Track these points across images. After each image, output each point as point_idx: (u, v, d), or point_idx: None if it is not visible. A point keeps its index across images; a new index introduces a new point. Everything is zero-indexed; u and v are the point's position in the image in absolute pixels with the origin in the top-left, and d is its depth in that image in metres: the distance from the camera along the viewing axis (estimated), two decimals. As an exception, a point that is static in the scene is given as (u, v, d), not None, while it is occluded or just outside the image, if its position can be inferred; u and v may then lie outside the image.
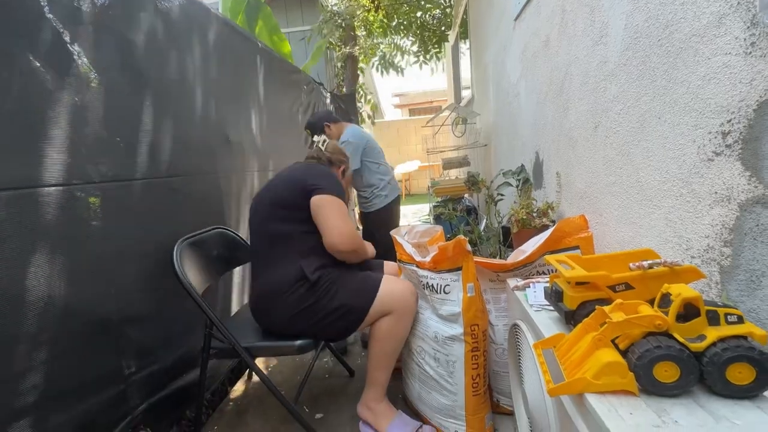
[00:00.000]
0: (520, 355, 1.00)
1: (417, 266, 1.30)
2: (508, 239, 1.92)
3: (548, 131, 1.78)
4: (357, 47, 4.68)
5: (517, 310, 1.06)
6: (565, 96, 1.55)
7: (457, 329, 1.18)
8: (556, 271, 0.86)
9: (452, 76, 5.86)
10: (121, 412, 1.09)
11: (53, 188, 0.93)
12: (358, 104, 5.22)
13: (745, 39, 0.70)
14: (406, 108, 12.51)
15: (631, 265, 0.79)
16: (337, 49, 4.46)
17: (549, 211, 1.64)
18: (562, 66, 1.56)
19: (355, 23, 4.57)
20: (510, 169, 2.28)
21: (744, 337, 0.59)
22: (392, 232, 1.45)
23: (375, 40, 5.18)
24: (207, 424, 1.44)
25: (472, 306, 1.16)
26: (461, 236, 1.16)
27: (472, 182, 2.67)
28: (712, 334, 0.59)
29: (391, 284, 1.27)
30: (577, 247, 1.24)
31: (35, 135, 0.90)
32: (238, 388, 1.69)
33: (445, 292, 1.22)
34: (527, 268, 1.27)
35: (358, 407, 1.34)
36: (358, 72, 5.09)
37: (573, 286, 0.79)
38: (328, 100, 4.14)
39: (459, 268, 1.19)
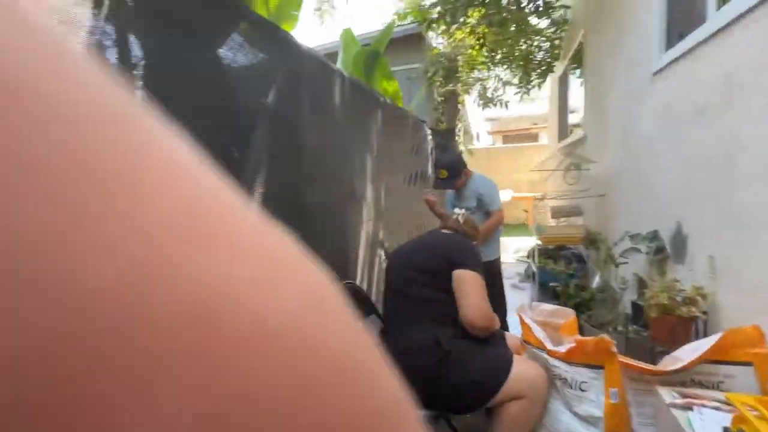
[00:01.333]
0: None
1: (548, 354, 1.26)
2: (639, 318, 1.75)
3: (700, 205, 1.60)
4: (459, 84, 4.76)
5: (665, 420, 0.97)
6: (731, 172, 1.39)
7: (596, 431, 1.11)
8: (722, 398, 0.78)
9: (558, 108, 5.58)
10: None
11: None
12: (457, 137, 5.27)
13: None
14: (500, 135, 12.15)
15: None
16: (439, 85, 4.59)
17: (699, 298, 1.46)
18: (728, 138, 1.40)
19: (459, 62, 4.67)
20: (639, 233, 2.09)
21: None
22: (517, 310, 1.44)
23: (477, 75, 5.21)
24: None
25: (615, 414, 1.09)
26: (606, 336, 1.11)
27: (590, 241, 2.50)
28: None
29: (524, 367, 1.26)
30: (749, 363, 1.09)
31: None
32: None
33: (581, 389, 1.16)
34: (680, 375, 1.15)
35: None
36: (459, 106, 5.16)
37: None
38: (429, 137, 4.26)
39: (600, 367, 1.13)
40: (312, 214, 1.60)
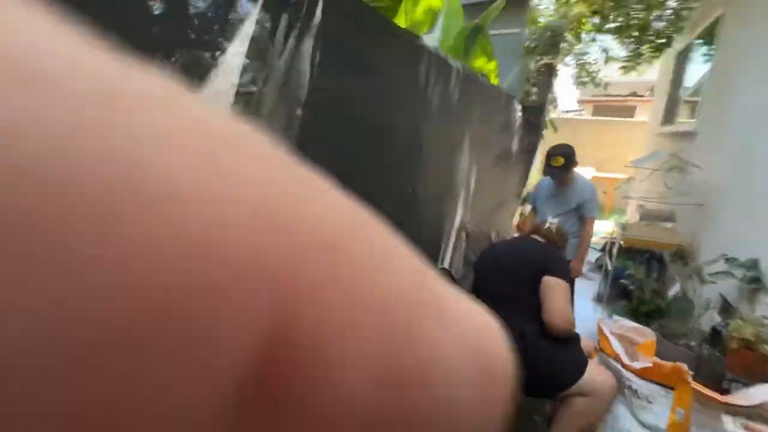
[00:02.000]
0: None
1: (622, 366, 1.44)
2: (718, 343, 1.82)
3: (813, 249, 1.57)
4: (559, 56, 4.45)
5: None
6: None
7: (655, 440, 1.31)
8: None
9: (669, 88, 5.02)
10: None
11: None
12: (549, 114, 5.03)
13: None
14: (590, 104, 11.08)
15: None
16: (538, 59, 4.35)
17: (786, 340, 1.51)
18: None
19: (565, 33, 4.32)
20: (736, 257, 2.06)
21: None
22: (598, 321, 1.60)
23: (580, 47, 4.80)
24: None
25: (678, 429, 1.27)
26: (683, 366, 1.26)
27: (679, 256, 2.47)
28: None
29: (596, 372, 1.46)
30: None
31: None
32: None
33: (648, 401, 1.35)
34: (747, 408, 1.28)
35: (534, 455, 1.62)
36: (553, 79, 4.85)
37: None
38: (519, 113, 4.16)
39: (671, 387, 1.30)
40: (418, 202, 1.83)
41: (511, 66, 4.70)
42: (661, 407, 1.32)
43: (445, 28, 3.14)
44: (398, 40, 1.43)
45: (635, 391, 1.39)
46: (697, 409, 1.37)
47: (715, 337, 1.85)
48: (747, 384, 1.44)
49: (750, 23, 2.80)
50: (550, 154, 2.46)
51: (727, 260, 2.06)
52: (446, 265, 2.35)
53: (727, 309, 2.05)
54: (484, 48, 3.30)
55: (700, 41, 4.30)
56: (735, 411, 1.29)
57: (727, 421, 1.21)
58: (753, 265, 1.94)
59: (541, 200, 2.67)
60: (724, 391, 1.44)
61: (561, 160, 2.33)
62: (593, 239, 5.23)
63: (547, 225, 1.78)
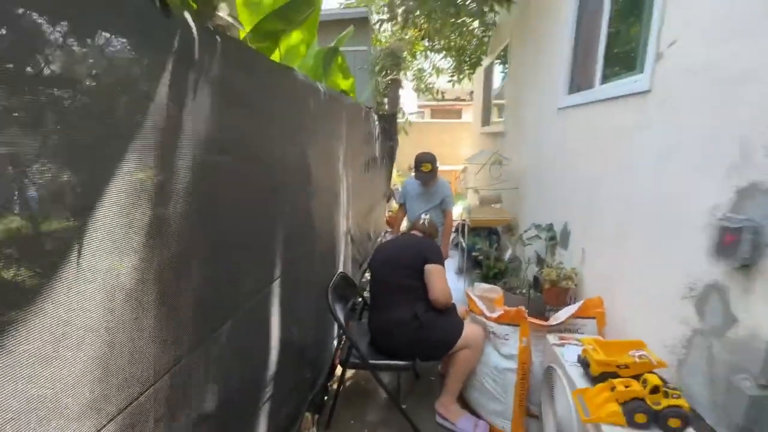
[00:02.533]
0: (553, 386, 1.66)
1: (486, 319, 1.94)
2: (536, 284, 2.55)
3: (579, 212, 2.40)
4: (401, 72, 5.16)
5: (553, 358, 1.71)
6: (597, 194, 2.15)
7: (512, 365, 1.84)
8: (586, 344, 1.50)
9: (482, 97, 6.34)
10: (306, 398, 1.76)
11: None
12: (399, 120, 5.73)
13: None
14: (429, 108, 12.91)
15: (630, 353, 1.43)
16: (384, 75, 4.95)
17: (573, 276, 2.28)
18: (594, 171, 2.15)
19: (404, 54, 5.03)
20: (540, 224, 2.90)
21: (678, 405, 1.24)
22: (466, 290, 2.09)
23: (417, 63, 5.63)
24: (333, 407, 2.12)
25: (524, 352, 1.82)
26: (522, 308, 1.81)
27: (508, 229, 3.29)
28: (664, 402, 1.24)
29: (471, 328, 1.92)
30: (593, 317, 1.88)
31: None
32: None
33: (505, 339, 1.87)
34: (560, 326, 1.92)
35: (437, 405, 2.01)
36: (399, 91, 5.57)
37: (598, 363, 1.43)
38: (376, 122, 4.67)
39: (517, 325, 1.84)
40: (312, 221, 2.00)
41: (363, 78, 5.21)
42: (512, 340, 1.86)
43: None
44: (279, 74, 1.57)
45: (496, 334, 1.90)
46: (533, 336, 1.97)
47: (535, 282, 2.60)
48: (557, 310, 2.12)
49: (525, 47, 3.87)
50: (420, 161, 2.95)
51: (536, 227, 2.89)
52: (342, 269, 2.58)
53: (540, 261, 2.87)
54: (340, 67, 3.62)
55: (499, 61, 5.60)
56: (553, 330, 1.92)
57: (550, 337, 1.80)
58: (549, 228, 2.79)
59: (411, 198, 3.16)
60: (546, 319, 2.09)
61: (429, 166, 2.86)
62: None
63: (421, 221, 2.20)
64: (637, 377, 1.32)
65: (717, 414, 1.23)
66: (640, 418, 1.24)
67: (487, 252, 3.41)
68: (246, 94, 1.22)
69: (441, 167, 8.13)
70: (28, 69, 0.54)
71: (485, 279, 3.16)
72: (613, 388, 1.31)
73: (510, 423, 1.88)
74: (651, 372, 1.32)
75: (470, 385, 2.05)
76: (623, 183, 1.87)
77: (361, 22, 5.09)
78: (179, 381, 0.90)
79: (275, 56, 1.86)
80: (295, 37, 1.96)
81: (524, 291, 2.75)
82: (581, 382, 1.47)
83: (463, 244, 3.82)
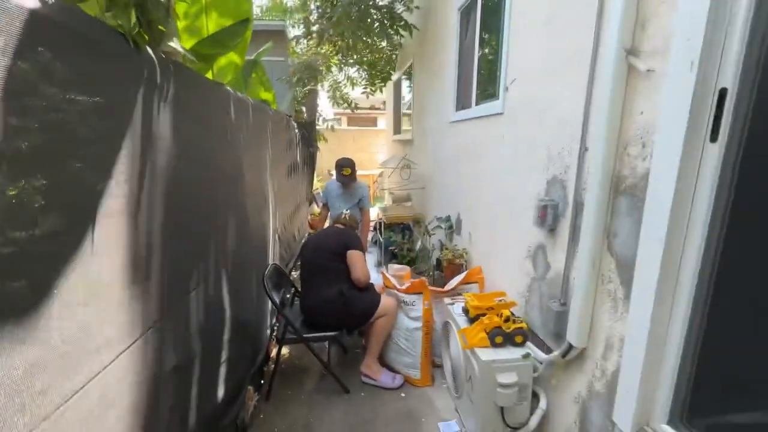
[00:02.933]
0: (449, 336, 2.19)
1: (397, 291, 2.42)
2: (439, 265, 3.13)
3: (467, 204, 3.03)
4: (318, 84, 5.50)
5: (448, 314, 2.24)
6: (479, 191, 2.78)
7: (419, 325, 2.34)
8: (467, 298, 2.05)
9: (393, 107, 6.99)
10: (249, 372, 2.02)
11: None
12: (318, 127, 6.05)
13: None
14: (345, 116, 13.39)
15: (495, 299, 2.01)
16: (302, 86, 5.25)
17: (464, 254, 2.89)
18: (474, 172, 2.79)
19: (320, 66, 5.38)
20: (441, 216, 3.51)
21: (521, 327, 1.83)
22: (382, 270, 2.54)
23: (332, 75, 6.03)
24: (272, 381, 2.39)
25: (427, 313, 2.33)
26: (424, 279, 2.31)
27: (417, 223, 3.87)
28: (513, 326, 1.83)
29: (386, 300, 2.37)
30: (476, 282, 2.48)
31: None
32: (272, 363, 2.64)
33: (412, 305, 2.36)
34: (452, 292, 2.48)
35: (361, 367, 2.42)
36: (317, 101, 5.90)
37: (473, 308, 1.98)
38: (296, 130, 4.95)
39: (420, 293, 2.34)
40: (247, 218, 2.26)
41: (282, 88, 5.43)
42: (418, 305, 2.35)
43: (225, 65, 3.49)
44: (214, 90, 1.82)
45: (405, 302, 2.38)
46: (434, 300, 2.50)
47: (438, 264, 3.19)
48: (452, 282, 2.68)
49: (424, 68, 4.54)
50: (341, 165, 3.35)
51: (438, 219, 3.49)
52: (273, 260, 2.85)
53: (442, 247, 3.48)
54: (260, 79, 3.85)
55: (405, 76, 6.28)
56: (448, 295, 2.47)
57: (446, 300, 2.34)
58: (447, 219, 3.41)
59: (333, 199, 3.55)
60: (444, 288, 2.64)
61: (349, 170, 3.29)
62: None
63: (343, 216, 2.60)
64: (500, 315, 1.89)
65: (544, 329, 1.85)
66: (499, 339, 1.81)
67: (401, 244, 3.94)
68: (194, 108, 1.49)
69: (360, 172, 8.62)
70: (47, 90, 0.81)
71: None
72: (482, 322, 1.86)
73: (419, 371, 2.37)
74: (508, 310, 1.90)
75: (388, 348, 2.50)
76: (492, 179, 2.51)
77: (279, 35, 5.31)
78: (159, 334, 1.16)
79: (209, 75, 2.09)
80: (227, 58, 2.22)
81: (431, 272, 3.33)
82: (464, 324, 2.01)
83: (381, 239, 4.31)
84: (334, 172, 3.53)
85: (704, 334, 1.16)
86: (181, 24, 1.93)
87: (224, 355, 1.73)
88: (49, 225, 0.76)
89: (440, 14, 3.79)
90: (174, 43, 1.60)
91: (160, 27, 1.43)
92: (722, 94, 1.02)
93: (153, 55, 1.22)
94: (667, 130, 1.13)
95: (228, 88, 2.01)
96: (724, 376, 1.22)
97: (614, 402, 1.36)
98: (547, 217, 1.76)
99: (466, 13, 3.11)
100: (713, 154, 1.05)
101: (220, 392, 1.67)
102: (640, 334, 1.24)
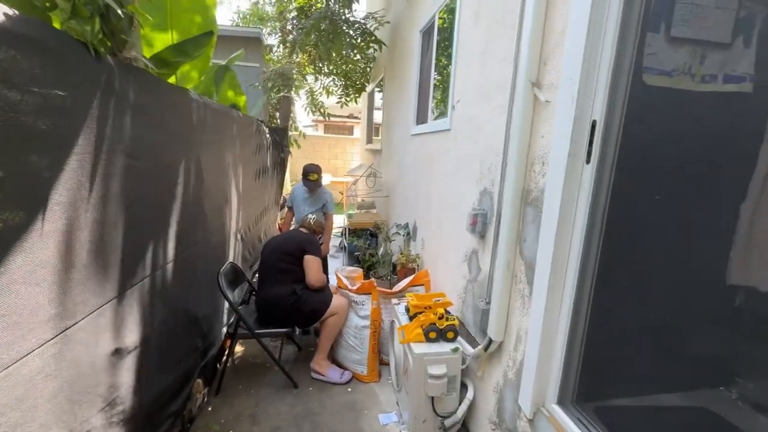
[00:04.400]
0: (393, 334, 2.35)
1: (349, 291, 2.56)
2: (395, 269, 3.31)
3: (421, 212, 3.23)
4: (293, 91, 5.64)
5: (394, 314, 2.41)
6: (430, 198, 2.98)
7: (367, 323, 2.49)
8: (408, 298, 2.22)
9: (366, 118, 7.20)
10: (198, 365, 2.11)
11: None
12: (290, 133, 6.16)
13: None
14: (322, 123, 13.54)
15: (434, 299, 2.19)
16: (275, 92, 5.37)
17: (417, 259, 3.07)
18: (429, 181, 2.99)
19: (294, 74, 5.53)
20: (400, 223, 3.70)
21: (453, 324, 2.01)
22: (335, 271, 2.68)
23: (307, 83, 6.18)
24: (222, 375, 2.47)
25: (375, 312, 2.48)
26: (372, 280, 2.47)
27: (377, 227, 4.04)
28: (446, 323, 2.01)
29: (337, 299, 2.51)
30: (422, 285, 2.66)
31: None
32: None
33: (362, 305, 2.51)
34: (400, 293, 2.64)
35: (312, 363, 2.54)
36: (291, 107, 6.03)
37: (413, 307, 2.15)
38: (268, 135, 5.05)
39: (369, 293, 2.50)
40: (204, 216, 2.36)
41: (256, 93, 5.53)
42: (367, 305, 2.51)
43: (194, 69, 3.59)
44: (175, 94, 1.94)
45: (356, 302, 2.53)
46: (381, 300, 2.66)
47: (394, 268, 3.36)
48: (404, 284, 2.85)
49: (393, 83, 4.76)
50: (308, 171, 3.49)
51: (397, 226, 3.67)
52: (232, 260, 2.93)
53: (402, 252, 3.65)
54: (230, 84, 3.96)
55: (378, 88, 6.51)
56: (394, 295, 2.63)
57: (393, 301, 2.50)
58: (405, 226, 3.59)
59: (298, 202, 3.67)
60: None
61: (315, 176, 3.44)
62: (335, 227, 6.79)
63: (308, 220, 2.74)
64: (435, 314, 2.06)
65: (475, 327, 2.04)
66: (432, 335, 1.98)
67: (364, 249, 4.10)
68: (153, 112, 1.60)
69: (334, 179, 8.80)
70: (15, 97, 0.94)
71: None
72: (420, 320, 2.04)
73: (366, 367, 2.51)
74: (443, 308, 2.08)
75: (338, 345, 2.63)
76: (441, 190, 2.71)
77: (254, 41, 5.43)
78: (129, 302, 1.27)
79: (171, 80, 2.20)
80: (190, 65, 2.33)
81: (389, 276, 3.49)
82: (405, 322, 2.17)
83: (345, 244, 4.45)
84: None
85: (587, 325, 1.36)
86: (148, 33, 2.05)
87: (170, 346, 1.82)
88: (3, 211, 0.88)
89: (406, 33, 4.04)
90: (135, 51, 1.72)
91: (122, 36, 1.56)
92: (593, 124, 1.25)
93: (112, 62, 1.34)
94: (556, 152, 1.34)
95: (190, 92, 2.12)
96: (609, 362, 1.43)
97: (519, 388, 1.55)
98: (477, 224, 1.97)
99: (427, 35, 3.35)
100: (588, 173, 1.27)
101: (164, 381, 1.75)
102: (536, 326, 1.44)
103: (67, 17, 1.26)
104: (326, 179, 9.52)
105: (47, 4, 1.31)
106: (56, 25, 1.36)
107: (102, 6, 1.38)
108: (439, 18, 2.99)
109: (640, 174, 1.22)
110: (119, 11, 1.43)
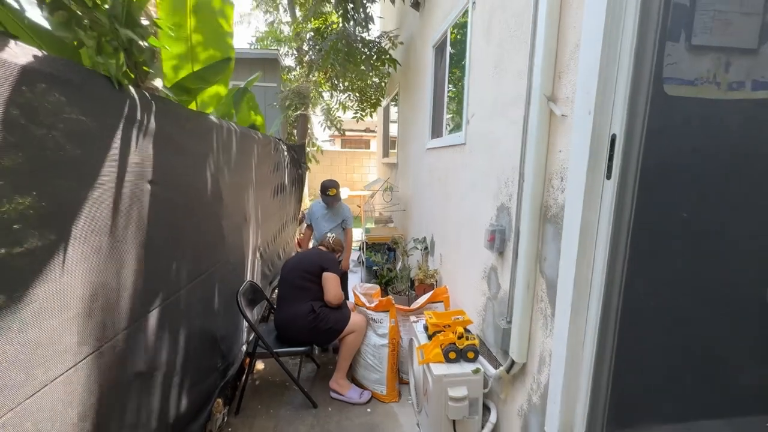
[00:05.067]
0: (412, 353, 2.31)
1: (366, 309, 2.54)
2: (413, 284, 3.26)
3: (438, 227, 3.19)
4: (309, 108, 5.77)
5: (413, 332, 2.36)
6: (447, 212, 2.95)
7: (385, 341, 2.45)
8: (426, 316, 2.18)
9: (382, 132, 7.25)
10: (217, 384, 2.12)
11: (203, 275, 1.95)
12: (308, 149, 6.28)
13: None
14: (339, 138, 13.77)
15: (453, 317, 2.14)
16: (292, 111, 5.50)
17: (435, 275, 3.02)
18: (447, 196, 2.96)
19: (311, 92, 5.66)
20: (418, 237, 3.66)
21: (473, 344, 1.95)
22: (352, 288, 2.67)
23: (323, 100, 6.31)
24: (242, 395, 2.47)
25: (393, 330, 2.44)
26: (390, 297, 2.44)
27: (394, 242, 4.02)
28: (465, 343, 1.95)
29: (355, 317, 2.49)
30: (441, 301, 2.61)
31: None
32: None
33: (380, 323, 2.48)
34: (418, 310, 2.60)
35: (331, 383, 2.51)
36: (308, 125, 6.16)
37: (432, 326, 2.11)
38: (285, 152, 5.16)
39: (387, 311, 2.47)
40: (223, 237, 2.41)
41: (274, 112, 5.68)
42: (385, 323, 2.47)
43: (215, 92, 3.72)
44: (196, 120, 2.01)
45: (374, 319, 2.50)
46: (399, 318, 2.62)
47: (412, 283, 3.31)
48: (422, 301, 2.81)
49: (408, 98, 4.79)
50: (326, 187, 3.54)
51: (415, 240, 3.64)
52: (251, 278, 2.97)
53: (419, 267, 3.61)
54: (249, 104, 4.08)
55: (393, 102, 6.57)
56: (414, 313, 2.59)
57: (411, 317, 2.46)
58: (423, 240, 3.55)
59: (316, 219, 3.70)
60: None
61: (334, 191, 3.48)
62: (354, 241, 6.81)
63: (327, 238, 2.76)
64: (455, 333, 2.01)
65: (496, 346, 1.97)
66: (452, 355, 1.93)
67: (381, 263, 4.08)
68: (173, 137, 1.66)
69: (352, 193, 8.85)
70: (39, 128, 0.98)
71: (378, 285, 3.81)
72: (437, 339, 1.99)
73: (385, 386, 2.46)
74: (462, 327, 2.03)
75: (357, 364, 2.60)
76: (457, 204, 2.68)
77: (271, 62, 5.61)
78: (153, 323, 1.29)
79: (192, 106, 2.29)
80: (210, 90, 2.42)
81: (407, 292, 3.45)
82: (424, 341, 2.13)
83: (363, 259, 4.44)
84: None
85: (615, 348, 1.29)
86: (170, 63, 2.14)
87: (191, 367, 1.84)
88: (28, 242, 0.91)
89: (419, 49, 4.07)
90: (157, 82, 1.80)
91: (144, 68, 1.63)
92: (613, 138, 1.20)
93: (134, 93, 1.40)
94: (575, 167, 1.30)
95: (211, 117, 2.19)
96: (640, 387, 1.35)
97: (545, 413, 1.48)
98: (496, 240, 1.92)
99: (440, 50, 3.36)
100: (609, 190, 1.22)
101: (184, 402, 1.77)
102: (560, 348, 1.37)
103: (93, 54, 1.32)
104: (344, 193, 9.63)
105: (75, 43, 1.38)
106: (85, 61, 1.43)
107: (126, 41, 1.45)
108: (452, 33, 3.00)
109: (665, 190, 1.17)
110: (141, 44, 1.51)
